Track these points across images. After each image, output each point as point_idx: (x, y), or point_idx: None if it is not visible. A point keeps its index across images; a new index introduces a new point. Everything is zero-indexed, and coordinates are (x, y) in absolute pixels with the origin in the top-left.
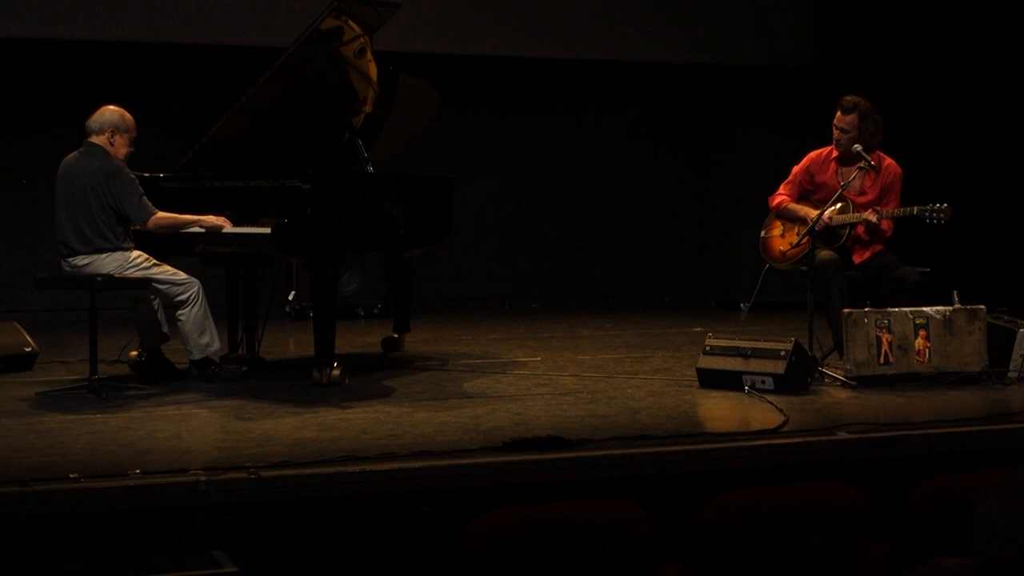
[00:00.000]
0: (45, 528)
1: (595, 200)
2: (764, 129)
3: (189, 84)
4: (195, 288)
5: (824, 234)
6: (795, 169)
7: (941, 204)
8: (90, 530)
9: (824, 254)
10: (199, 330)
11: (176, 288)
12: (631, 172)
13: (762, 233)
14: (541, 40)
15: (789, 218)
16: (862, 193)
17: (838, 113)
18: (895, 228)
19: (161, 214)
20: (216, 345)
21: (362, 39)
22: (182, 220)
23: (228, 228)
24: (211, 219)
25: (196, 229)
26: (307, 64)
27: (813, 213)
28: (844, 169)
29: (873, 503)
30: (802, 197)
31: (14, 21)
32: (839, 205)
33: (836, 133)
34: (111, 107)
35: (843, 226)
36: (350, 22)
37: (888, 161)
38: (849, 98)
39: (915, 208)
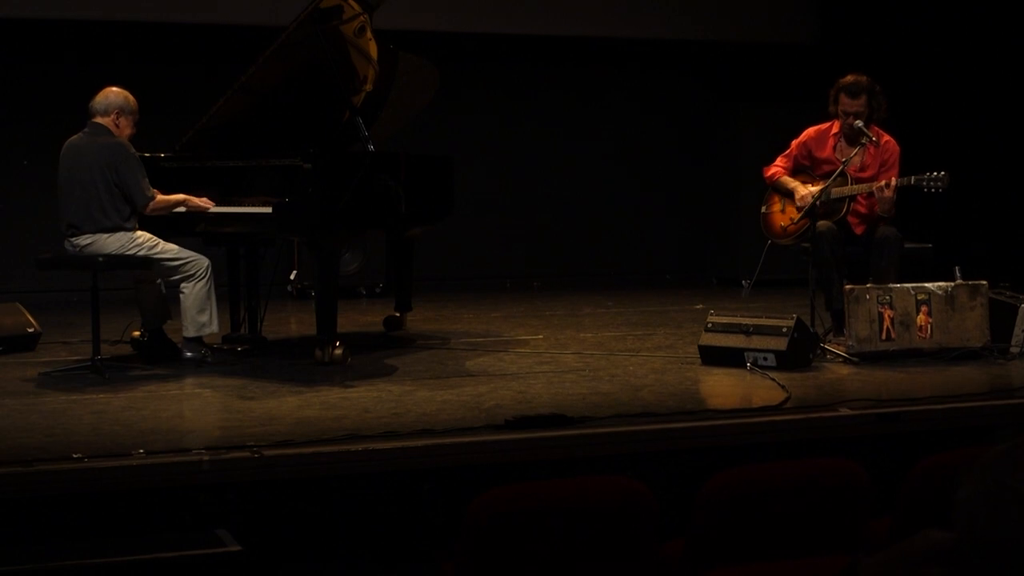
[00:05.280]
0: (49, 508)
1: (596, 178)
2: (764, 106)
3: (189, 64)
4: (203, 265)
5: (825, 207)
6: (793, 143)
7: (938, 172)
8: (94, 510)
9: (822, 224)
10: (199, 307)
11: (185, 264)
12: (632, 150)
13: (763, 209)
14: (540, 18)
15: (781, 191)
16: (862, 169)
17: (844, 98)
18: (896, 204)
19: (158, 199)
20: (213, 328)
21: (362, 17)
22: (172, 201)
23: (212, 209)
24: (195, 200)
25: (180, 209)
26: (307, 43)
27: (802, 189)
28: (843, 145)
29: (875, 479)
30: (800, 171)
31: (14, 1)
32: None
33: (847, 119)
34: (115, 89)
35: (842, 199)
36: (350, 0)
37: (886, 137)
38: (851, 79)
39: (912, 178)
